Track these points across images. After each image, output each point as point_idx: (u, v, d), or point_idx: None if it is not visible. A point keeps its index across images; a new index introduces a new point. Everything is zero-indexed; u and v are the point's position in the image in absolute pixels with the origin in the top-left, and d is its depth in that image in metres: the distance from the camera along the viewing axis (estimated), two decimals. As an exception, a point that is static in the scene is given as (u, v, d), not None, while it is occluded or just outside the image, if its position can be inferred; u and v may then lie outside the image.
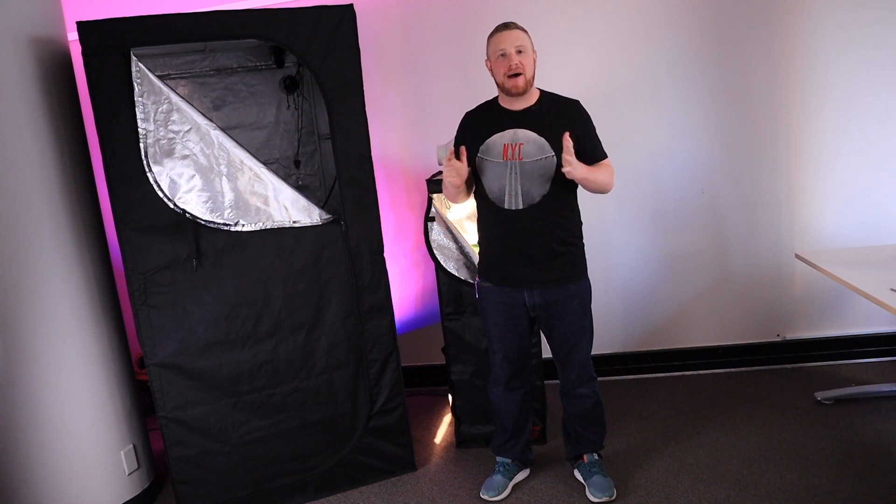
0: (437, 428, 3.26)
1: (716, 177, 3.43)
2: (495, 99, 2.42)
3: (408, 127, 3.53)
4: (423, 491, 2.69)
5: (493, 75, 2.35)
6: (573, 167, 2.20)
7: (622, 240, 3.52)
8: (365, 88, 2.56)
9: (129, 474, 2.65)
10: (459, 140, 2.45)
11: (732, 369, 3.56)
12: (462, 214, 3.17)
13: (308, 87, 3.25)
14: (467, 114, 2.47)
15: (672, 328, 3.59)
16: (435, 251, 2.91)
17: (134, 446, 2.69)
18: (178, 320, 2.46)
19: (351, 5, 2.50)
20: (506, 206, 2.33)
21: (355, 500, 2.68)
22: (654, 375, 3.60)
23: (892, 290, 2.32)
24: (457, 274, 2.90)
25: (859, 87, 3.27)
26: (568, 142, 2.19)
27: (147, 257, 2.41)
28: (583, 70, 3.37)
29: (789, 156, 3.38)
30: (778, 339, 3.55)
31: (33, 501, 2.45)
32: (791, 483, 2.48)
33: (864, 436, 2.74)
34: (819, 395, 3.07)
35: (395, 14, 3.42)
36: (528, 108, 2.33)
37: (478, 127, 2.39)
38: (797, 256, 3.01)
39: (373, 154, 2.63)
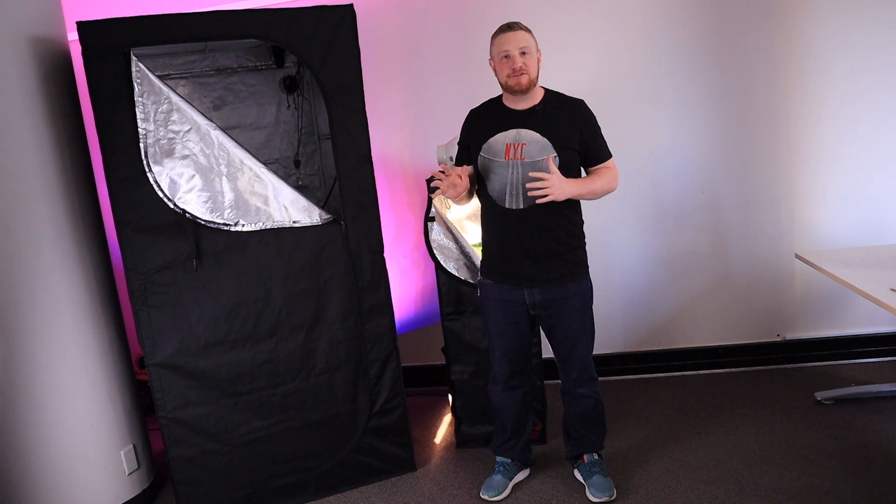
0: (437, 428, 3.26)
1: (716, 177, 3.43)
2: (500, 97, 2.41)
3: (408, 127, 3.53)
4: (423, 491, 2.69)
5: (496, 75, 2.35)
6: (553, 192, 2.20)
7: (622, 240, 3.52)
8: (365, 88, 2.56)
9: (129, 474, 2.65)
10: (464, 138, 2.46)
11: (732, 369, 3.56)
12: (462, 214, 3.17)
13: (308, 87, 3.25)
14: (472, 112, 2.46)
15: (672, 328, 3.60)
16: (435, 251, 2.91)
17: (134, 446, 2.69)
18: (178, 320, 2.46)
19: (351, 5, 2.50)
20: (506, 206, 2.33)
21: (355, 500, 2.68)
22: (654, 375, 3.60)
23: (892, 290, 2.32)
24: (457, 274, 2.90)
25: (859, 87, 3.28)
26: (551, 166, 2.22)
27: (147, 257, 2.41)
28: (583, 70, 3.37)
29: (789, 155, 3.38)
30: (778, 339, 3.55)
31: (33, 501, 2.45)
32: (791, 483, 2.48)
33: (864, 436, 2.74)
34: (819, 395, 3.07)
35: (395, 14, 3.42)
36: (531, 107, 2.33)
37: (481, 125, 2.39)
38: (797, 256, 3.01)
39: (373, 154, 2.63)
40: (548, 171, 2.23)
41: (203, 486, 2.56)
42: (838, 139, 3.34)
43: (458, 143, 2.50)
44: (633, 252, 3.53)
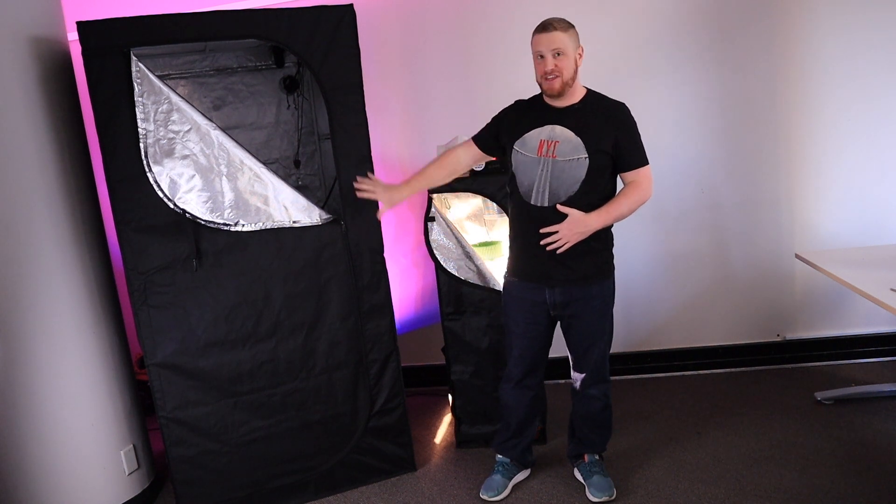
0: (437, 428, 3.26)
1: (716, 177, 3.43)
2: (540, 94, 2.38)
3: (408, 127, 3.53)
4: (423, 491, 2.69)
5: (535, 71, 2.31)
6: (569, 240, 2.26)
7: (622, 240, 3.46)
8: (365, 88, 2.56)
9: (129, 474, 2.65)
10: (497, 120, 2.44)
11: (732, 369, 3.56)
12: (462, 214, 3.17)
13: (308, 87, 3.25)
14: (517, 102, 2.43)
15: (672, 328, 3.59)
16: (435, 251, 2.91)
17: (134, 446, 2.69)
18: (178, 320, 2.46)
19: (351, 5, 2.50)
20: (532, 202, 2.32)
21: (355, 500, 2.68)
22: (654, 375, 3.60)
23: (892, 290, 2.32)
24: (457, 274, 2.90)
25: (860, 87, 3.28)
26: (567, 209, 2.24)
27: (147, 257, 2.41)
28: (582, 69, 3.36)
29: (789, 156, 3.38)
30: (778, 339, 3.55)
31: (33, 501, 2.45)
32: (791, 483, 2.48)
33: (864, 436, 2.74)
34: (819, 395, 3.08)
35: (395, 14, 3.42)
36: (570, 105, 2.31)
37: (520, 118, 2.37)
38: (797, 256, 3.01)
39: (373, 154, 2.63)
40: (580, 176, 2.25)
41: (203, 486, 2.56)
42: (838, 139, 3.34)
43: (487, 126, 2.47)
44: (634, 252, 3.53)
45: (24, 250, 2.37)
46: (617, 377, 3.58)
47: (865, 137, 3.31)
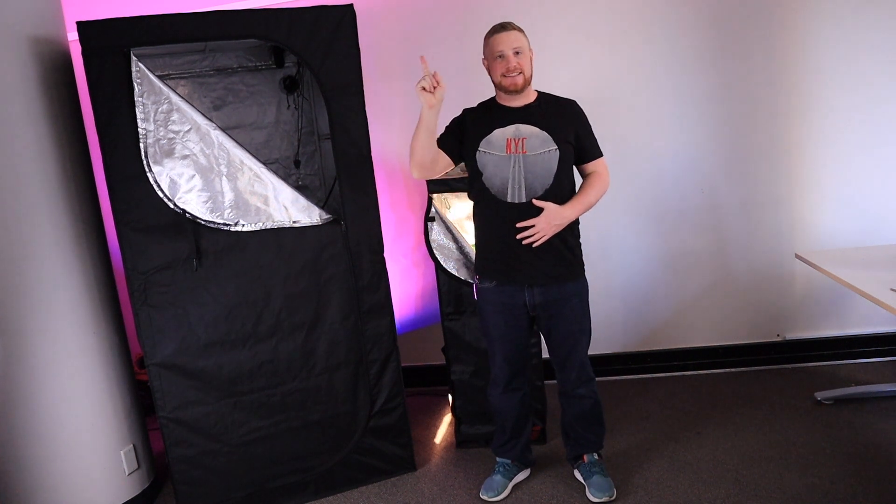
0: (437, 428, 3.26)
1: (716, 177, 3.43)
2: (493, 98, 2.43)
3: (408, 127, 3.51)
4: (423, 491, 2.69)
5: (490, 74, 2.37)
6: (546, 233, 2.28)
7: (622, 240, 3.52)
8: (365, 88, 2.57)
9: (129, 474, 2.65)
10: (456, 123, 2.42)
11: (732, 369, 3.56)
12: (462, 214, 3.17)
13: (308, 87, 3.25)
14: (466, 109, 2.46)
15: (672, 328, 3.59)
16: (435, 251, 2.91)
17: (134, 446, 2.69)
18: (178, 320, 2.46)
19: (351, 5, 2.50)
20: (508, 200, 2.33)
21: (355, 500, 2.68)
22: (654, 375, 3.60)
23: (892, 290, 2.32)
24: (457, 274, 2.91)
25: (859, 87, 3.27)
26: (542, 203, 2.27)
27: (147, 257, 2.41)
28: (582, 70, 3.36)
29: (789, 156, 3.38)
30: (778, 339, 3.55)
31: (33, 501, 2.45)
32: (791, 483, 2.48)
33: (864, 436, 2.74)
34: (819, 395, 3.07)
35: (395, 14, 3.42)
36: (527, 105, 2.36)
37: (478, 122, 2.39)
38: (797, 256, 3.01)
39: (373, 154, 2.63)
40: (552, 167, 2.29)
41: (203, 486, 2.56)
42: (838, 139, 3.33)
43: (446, 129, 2.44)
44: (634, 252, 3.53)
45: (24, 250, 2.37)
46: (617, 377, 3.59)
47: (865, 137, 3.31)
